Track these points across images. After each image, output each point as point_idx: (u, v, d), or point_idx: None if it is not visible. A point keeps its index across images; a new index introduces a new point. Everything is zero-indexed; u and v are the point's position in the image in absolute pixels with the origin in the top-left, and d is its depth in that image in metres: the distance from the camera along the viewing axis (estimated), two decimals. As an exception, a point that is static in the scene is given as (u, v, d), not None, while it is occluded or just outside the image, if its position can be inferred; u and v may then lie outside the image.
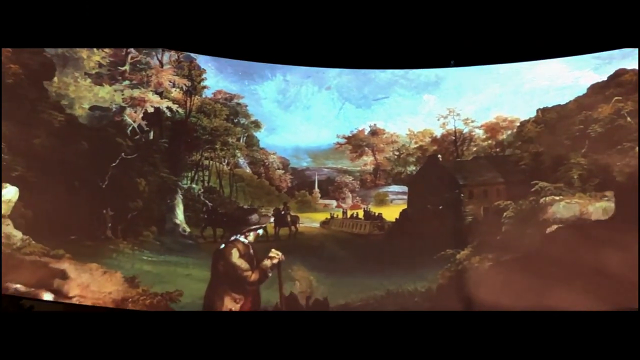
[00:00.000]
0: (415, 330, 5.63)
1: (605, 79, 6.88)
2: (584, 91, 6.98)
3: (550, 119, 7.22)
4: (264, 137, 7.82)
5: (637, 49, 6.37)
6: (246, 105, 7.83)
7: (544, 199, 6.79)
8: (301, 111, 7.76)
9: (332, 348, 5.24)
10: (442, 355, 5.26)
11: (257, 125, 7.99)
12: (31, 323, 5.39)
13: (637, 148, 6.36)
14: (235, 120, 7.88)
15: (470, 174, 7.62)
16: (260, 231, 5.55)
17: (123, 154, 6.96)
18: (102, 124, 6.89)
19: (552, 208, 6.72)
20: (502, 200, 7.19)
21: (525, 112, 7.29)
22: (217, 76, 7.53)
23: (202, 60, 7.35)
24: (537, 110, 7.31)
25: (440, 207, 7.40)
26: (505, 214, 7.00)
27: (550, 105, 7.15)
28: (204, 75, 7.49)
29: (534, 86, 7.16)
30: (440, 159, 7.84)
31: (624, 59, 6.69)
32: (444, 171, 7.77)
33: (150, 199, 7.10)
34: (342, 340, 5.34)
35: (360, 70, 7.57)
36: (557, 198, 6.73)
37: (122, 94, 7.05)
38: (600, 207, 6.60)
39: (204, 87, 7.56)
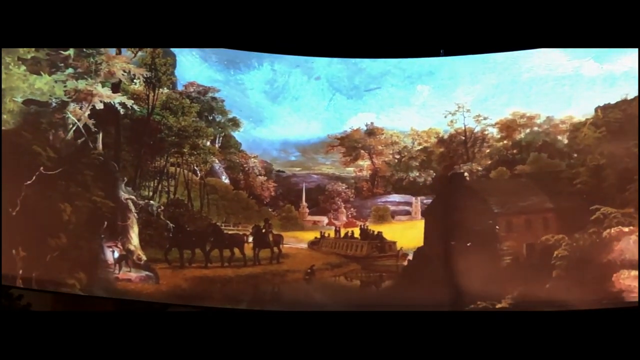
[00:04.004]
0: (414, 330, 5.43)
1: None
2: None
3: (613, 120, 6.27)
4: (250, 130, 7.48)
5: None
6: (223, 100, 7.31)
7: (607, 231, 5.80)
8: (290, 102, 7.48)
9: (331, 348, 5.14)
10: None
11: (235, 123, 7.41)
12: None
13: None
14: (210, 118, 7.35)
15: (508, 197, 6.64)
16: None
17: (42, 168, 5.94)
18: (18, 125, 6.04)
19: (620, 244, 5.73)
20: (551, 233, 6.21)
21: (523, 102, 6.84)
22: (201, 65, 7.17)
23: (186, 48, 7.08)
24: (596, 109, 6.41)
25: (469, 244, 6.55)
26: (556, 252, 6.00)
27: (551, 96, 6.53)
28: (174, 64, 6.98)
29: (532, 75, 6.75)
30: (467, 178, 6.95)
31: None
32: (472, 194, 6.82)
33: (78, 233, 5.94)
34: (341, 340, 5.18)
35: (350, 59, 7.43)
36: (626, 229, 5.74)
37: (65, 86, 6.32)
38: (685, 242, 5.67)
39: (170, 78, 7.07)
